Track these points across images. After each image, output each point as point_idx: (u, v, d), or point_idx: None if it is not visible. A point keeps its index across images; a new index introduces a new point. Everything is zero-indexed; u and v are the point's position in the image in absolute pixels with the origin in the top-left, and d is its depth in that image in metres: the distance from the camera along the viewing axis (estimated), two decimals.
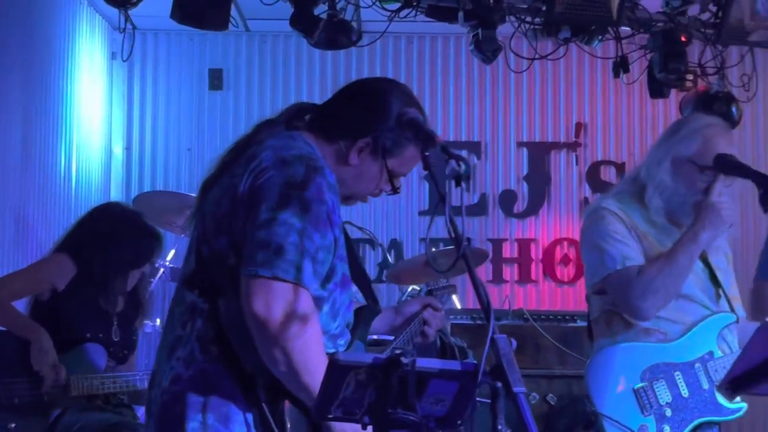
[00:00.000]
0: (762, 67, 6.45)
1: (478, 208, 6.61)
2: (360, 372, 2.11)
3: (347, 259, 2.45)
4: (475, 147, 6.63)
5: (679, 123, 3.23)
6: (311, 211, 2.24)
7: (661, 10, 4.98)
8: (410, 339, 2.82)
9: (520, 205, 6.64)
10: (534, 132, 6.66)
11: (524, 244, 6.60)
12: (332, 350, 2.39)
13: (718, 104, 5.12)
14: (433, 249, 5.63)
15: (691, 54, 5.26)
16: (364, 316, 2.59)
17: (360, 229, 5.88)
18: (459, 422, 2.23)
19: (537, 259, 6.59)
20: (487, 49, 4.55)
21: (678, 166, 3.10)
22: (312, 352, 2.24)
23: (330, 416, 2.16)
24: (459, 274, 5.61)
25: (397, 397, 2.12)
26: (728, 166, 2.99)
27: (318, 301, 2.30)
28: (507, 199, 6.63)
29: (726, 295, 3.15)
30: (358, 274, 2.56)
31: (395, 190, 2.47)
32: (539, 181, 6.64)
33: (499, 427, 2.13)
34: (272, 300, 2.19)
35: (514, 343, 2.05)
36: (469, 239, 2.24)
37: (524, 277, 6.56)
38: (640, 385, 3.08)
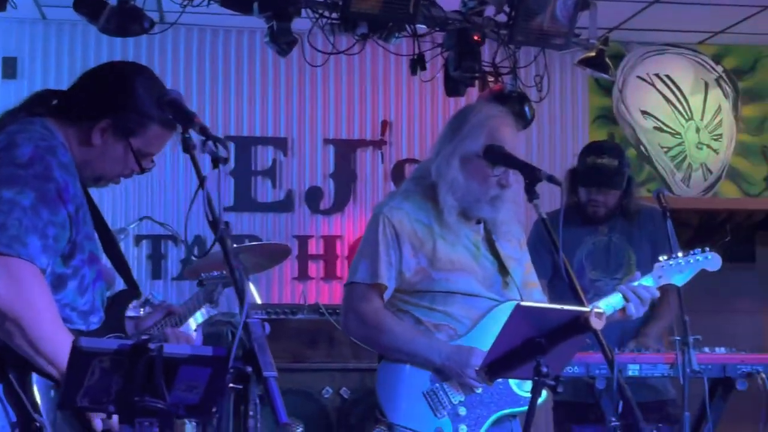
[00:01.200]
0: (559, 68, 6.71)
1: (284, 205, 6.58)
2: (104, 359, 2.04)
3: (101, 240, 2.53)
4: (281, 143, 6.60)
5: (461, 117, 3.19)
6: (38, 189, 2.30)
7: (457, 9, 5.07)
8: None
9: (326, 202, 6.65)
10: (341, 129, 6.69)
11: (330, 241, 6.61)
12: (83, 327, 2.43)
13: (511, 103, 5.24)
14: (234, 245, 5.55)
15: (489, 54, 5.40)
16: (121, 298, 2.61)
17: (162, 225, 5.75)
18: (214, 409, 2.18)
19: (342, 256, 6.61)
20: (282, 42, 4.52)
21: (467, 163, 3.09)
22: (46, 321, 2.27)
23: (76, 405, 2.09)
24: (260, 271, 5.57)
25: (144, 384, 2.06)
26: (496, 156, 3.02)
27: (62, 278, 2.37)
28: (313, 195, 6.63)
29: (516, 284, 3.16)
30: (116, 259, 2.57)
31: (143, 170, 2.53)
32: (345, 178, 6.67)
33: (251, 412, 2.10)
34: None
35: (267, 327, 2.03)
36: (227, 223, 2.19)
37: (330, 274, 6.57)
38: (429, 387, 3.05)
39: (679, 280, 3.52)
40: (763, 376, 3.83)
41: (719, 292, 8.14)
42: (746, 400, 4.13)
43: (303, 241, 6.57)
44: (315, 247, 6.60)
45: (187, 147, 2.26)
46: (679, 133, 7.02)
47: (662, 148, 7.00)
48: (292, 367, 4.65)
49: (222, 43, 6.56)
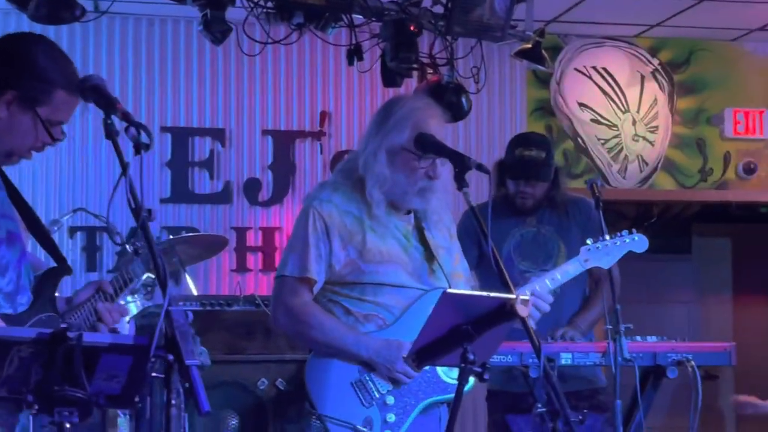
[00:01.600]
0: (497, 60, 6.73)
1: (222, 196, 6.54)
2: (23, 348, 2.01)
3: (23, 219, 2.50)
4: (219, 134, 6.56)
5: (386, 110, 3.21)
6: None
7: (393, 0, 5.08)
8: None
9: (264, 194, 6.62)
10: (279, 120, 6.66)
11: (268, 233, 6.59)
12: (9, 310, 2.39)
13: (448, 95, 5.27)
14: (171, 236, 5.50)
15: (427, 45, 5.42)
16: (51, 276, 2.57)
17: (96, 216, 5.68)
18: (136, 399, 2.16)
19: (281, 248, 6.58)
20: (216, 30, 4.49)
21: (393, 156, 3.11)
22: None
23: None
24: (197, 262, 5.53)
25: (64, 373, 2.03)
26: (426, 145, 3.03)
27: None
28: (251, 187, 6.60)
29: (444, 271, 3.18)
30: (41, 237, 2.55)
31: (54, 140, 2.49)
32: (284, 169, 6.64)
33: (173, 401, 2.08)
34: None
35: (191, 315, 2.03)
36: (149, 210, 2.18)
37: (268, 266, 6.55)
38: (357, 378, 3.09)
39: (606, 262, 3.57)
40: (693, 363, 3.89)
41: (656, 282, 8.29)
42: (679, 387, 4.20)
43: (241, 233, 6.54)
44: (253, 238, 6.57)
45: (110, 133, 2.25)
46: (615, 125, 7.10)
47: (599, 140, 7.07)
48: (228, 359, 4.62)
49: (157, 32, 6.48)
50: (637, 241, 3.62)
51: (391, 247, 3.14)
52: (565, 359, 3.91)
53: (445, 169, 3.11)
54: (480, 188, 4.02)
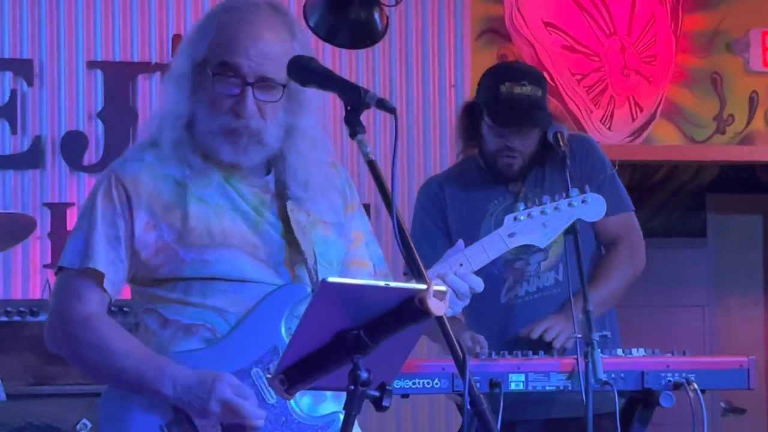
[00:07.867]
0: None
1: (29, 158, 6.50)
2: None
3: None
4: (23, 68, 6.50)
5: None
6: None
7: None
8: None
9: (93, 154, 6.60)
10: (112, 47, 6.63)
11: None
12: None
13: (354, 9, 5.28)
14: None
15: None
16: None
17: None
18: None
19: None
20: None
21: (195, 79, 3.05)
22: None
23: None
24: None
25: None
26: (305, 73, 2.93)
27: None
28: (73, 144, 6.56)
29: (307, 265, 3.08)
30: None
31: None
32: (121, 118, 6.62)
33: None
34: None
35: None
36: None
37: None
38: (173, 417, 2.99)
39: (542, 239, 3.37)
40: (696, 386, 3.94)
41: (656, 278, 8.37)
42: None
43: (58, 211, 6.49)
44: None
45: None
46: (597, 55, 7.16)
47: (574, 75, 7.12)
48: (33, 392, 4.63)
49: None
50: (590, 205, 3.46)
51: (227, 224, 3.04)
52: (516, 383, 3.94)
53: (253, 103, 3.02)
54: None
